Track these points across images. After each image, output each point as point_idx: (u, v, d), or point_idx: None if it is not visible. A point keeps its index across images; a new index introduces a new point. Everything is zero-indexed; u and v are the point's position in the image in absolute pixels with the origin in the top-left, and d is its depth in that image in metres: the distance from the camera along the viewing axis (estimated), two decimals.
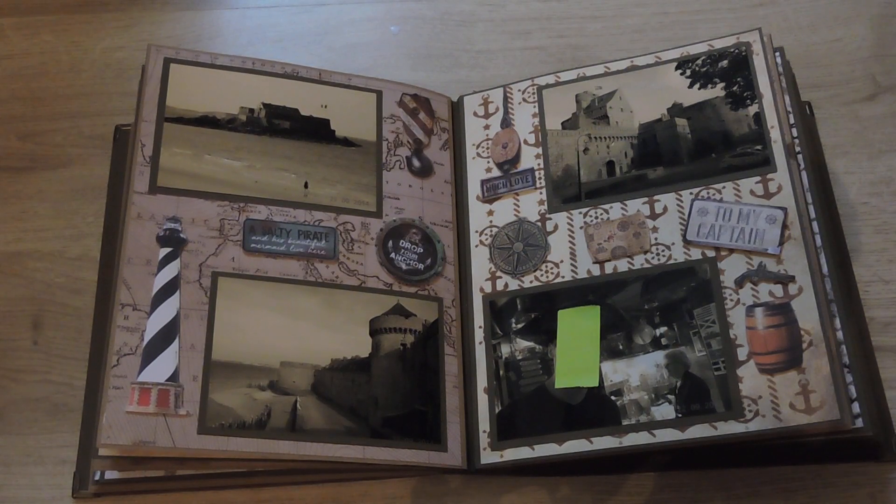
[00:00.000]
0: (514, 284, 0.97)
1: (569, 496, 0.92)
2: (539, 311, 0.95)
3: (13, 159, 1.11)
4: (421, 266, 0.98)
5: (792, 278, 0.88)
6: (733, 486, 0.91)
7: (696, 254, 0.93)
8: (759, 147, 0.95)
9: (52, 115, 1.13)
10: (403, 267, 0.98)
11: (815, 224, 0.92)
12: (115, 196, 1.03)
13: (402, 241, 0.99)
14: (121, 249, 0.92)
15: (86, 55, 1.17)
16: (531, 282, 0.97)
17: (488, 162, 1.04)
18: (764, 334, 0.88)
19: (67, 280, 1.03)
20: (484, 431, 0.92)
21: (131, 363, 0.87)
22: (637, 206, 0.97)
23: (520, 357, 0.94)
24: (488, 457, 0.91)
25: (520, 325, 0.95)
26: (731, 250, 0.92)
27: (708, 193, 0.95)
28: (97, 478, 0.91)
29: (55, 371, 0.99)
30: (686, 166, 0.97)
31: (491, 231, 1.00)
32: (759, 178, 0.93)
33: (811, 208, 0.93)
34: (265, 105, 1.01)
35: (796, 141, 0.96)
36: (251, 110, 1.01)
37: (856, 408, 0.84)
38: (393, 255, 0.98)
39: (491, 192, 1.02)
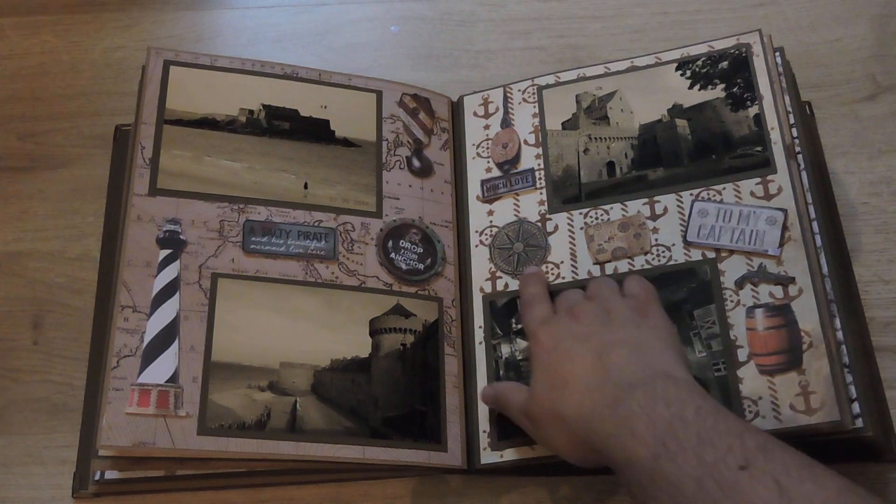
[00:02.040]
0: (514, 284, 0.97)
1: (569, 496, 0.92)
2: None
3: (13, 159, 1.11)
4: (421, 266, 0.98)
5: (792, 280, 0.88)
6: None
7: (696, 255, 0.93)
8: (759, 148, 0.95)
9: (52, 115, 1.13)
10: (403, 267, 0.98)
11: (815, 224, 0.92)
12: (115, 196, 1.03)
13: (402, 241, 0.99)
14: (120, 251, 0.92)
15: (86, 55, 1.17)
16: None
17: (488, 162, 1.04)
18: (764, 335, 0.88)
19: (67, 280, 1.03)
20: (484, 431, 0.92)
21: (131, 365, 0.87)
22: (637, 206, 0.96)
23: (520, 357, 0.94)
24: (488, 457, 0.91)
25: (520, 326, 0.95)
26: (732, 251, 0.91)
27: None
28: (97, 478, 0.90)
29: (55, 371, 0.99)
30: (686, 167, 0.97)
31: (491, 231, 1.00)
32: (759, 180, 0.93)
33: (811, 209, 0.93)
34: (265, 106, 1.01)
35: (796, 141, 0.96)
36: (251, 112, 1.01)
37: (856, 408, 0.84)
38: (393, 255, 0.98)
39: (491, 193, 1.02)
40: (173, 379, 0.88)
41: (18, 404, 0.98)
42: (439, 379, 0.94)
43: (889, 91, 1.09)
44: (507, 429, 0.91)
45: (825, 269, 0.90)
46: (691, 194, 0.95)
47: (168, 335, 0.89)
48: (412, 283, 0.97)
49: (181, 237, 0.93)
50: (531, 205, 1.00)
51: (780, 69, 0.99)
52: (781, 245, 0.90)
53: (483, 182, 1.03)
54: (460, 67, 1.16)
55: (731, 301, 0.90)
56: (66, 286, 1.03)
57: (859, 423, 0.84)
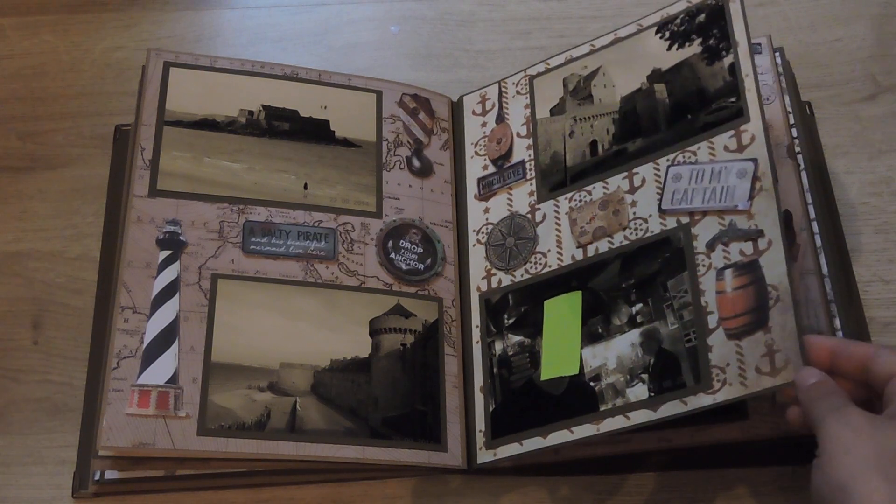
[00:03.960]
0: (506, 280, 0.97)
1: (569, 496, 0.92)
2: (528, 304, 0.95)
3: (13, 159, 1.11)
4: (421, 266, 0.98)
5: (761, 233, 0.84)
6: (733, 486, 0.91)
7: (671, 223, 0.90)
8: (733, 99, 0.91)
9: (52, 115, 1.13)
10: (403, 267, 0.98)
11: (814, 224, 0.92)
12: (115, 196, 1.03)
13: (401, 241, 0.99)
14: (121, 253, 0.92)
15: (86, 55, 1.17)
16: (522, 275, 0.96)
17: (485, 159, 1.03)
18: (732, 297, 0.84)
19: (67, 280, 1.03)
20: (480, 431, 0.92)
21: (131, 366, 0.87)
22: (617, 182, 0.94)
23: (511, 353, 0.93)
24: (483, 456, 0.91)
25: (511, 321, 0.95)
26: (705, 213, 0.88)
27: (684, 157, 0.91)
28: (97, 478, 0.91)
29: (55, 371, 0.99)
30: (663, 133, 0.94)
31: (486, 229, 1.00)
32: (732, 132, 0.89)
33: (811, 209, 0.93)
34: (265, 107, 1.01)
35: (796, 141, 0.96)
36: (251, 112, 1.01)
37: None
38: (393, 255, 0.98)
39: (486, 189, 1.02)
40: (173, 380, 0.88)
41: (18, 404, 0.98)
42: (439, 379, 0.94)
43: (889, 91, 1.09)
44: (499, 427, 0.91)
45: (825, 270, 0.90)
46: (668, 160, 0.92)
47: (168, 336, 0.89)
48: (412, 283, 0.97)
49: (181, 238, 0.93)
50: (522, 197, 0.99)
51: (780, 69, 0.99)
52: (752, 197, 0.86)
53: (479, 180, 1.03)
54: (460, 67, 1.16)
55: (703, 266, 0.86)
56: (66, 286, 1.03)
57: None
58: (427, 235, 1.00)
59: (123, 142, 1.06)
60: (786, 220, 0.92)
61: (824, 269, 0.90)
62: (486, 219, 1.01)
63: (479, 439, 0.92)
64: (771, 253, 0.83)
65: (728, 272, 0.85)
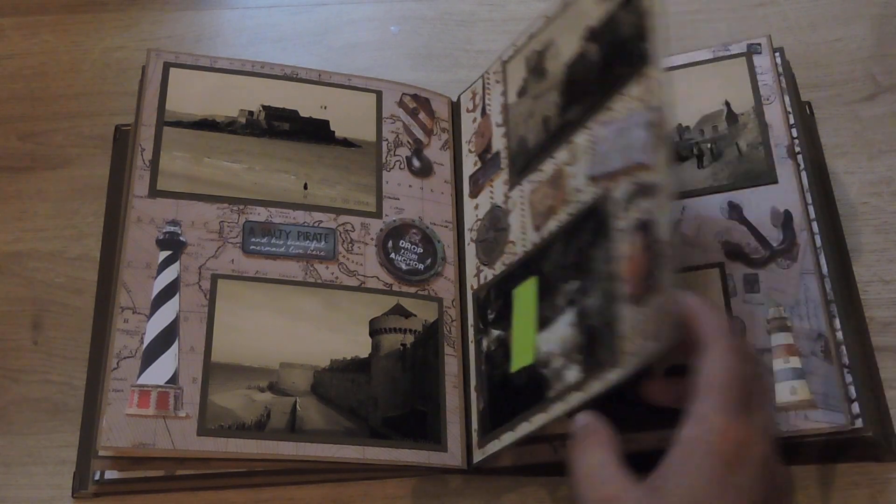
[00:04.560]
0: (490, 275, 0.96)
1: (569, 496, 0.92)
2: (503, 297, 0.93)
3: (13, 159, 1.11)
4: (421, 266, 0.98)
5: (656, 187, 0.76)
6: None
7: (599, 190, 0.83)
8: (643, 45, 0.81)
9: (52, 115, 1.13)
10: (403, 267, 0.98)
11: (815, 224, 0.92)
12: (115, 196, 1.03)
13: (401, 241, 0.99)
14: (121, 253, 0.92)
15: (86, 55, 1.17)
16: (500, 268, 0.95)
17: (475, 156, 1.03)
18: (634, 260, 0.77)
19: (67, 280, 1.03)
20: (475, 430, 0.92)
21: (131, 366, 0.87)
22: (563, 156, 0.90)
23: (492, 348, 0.93)
24: (477, 455, 0.91)
25: (492, 316, 0.94)
26: (621, 173, 0.81)
27: (608, 117, 0.84)
28: (97, 478, 0.90)
29: (55, 371, 0.99)
30: (593, 95, 0.87)
31: (476, 225, 0.99)
32: (640, 80, 0.80)
33: (811, 208, 0.93)
34: (265, 107, 1.01)
35: (796, 141, 0.96)
36: (251, 113, 1.01)
37: (856, 408, 0.84)
38: (393, 255, 0.98)
39: (474, 186, 1.01)
40: (173, 380, 0.88)
41: (18, 404, 0.98)
42: (439, 379, 0.94)
43: (889, 91, 1.09)
44: (485, 425, 0.91)
45: (825, 270, 0.90)
46: (598, 123, 0.85)
47: (168, 336, 0.89)
48: (412, 283, 0.97)
49: (181, 238, 0.93)
50: (499, 187, 0.98)
51: (780, 69, 0.99)
52: (654, 150, 0.77)
53: (469, 177, 1.02)
54: (460, 67, 1.16)
55: (619, 230, 0.79)
56: (66, 286, 1.03)
57: (859, 423, 0.84)
58: (427, 235, 1.00)
59: (123, 142, 1.06)
60: (786, 220, 0.93)
61: (824, 269, 0.90)
62: (477, 216, 1.00)
63: (475, 439, 0.92)
64: (664, 208, 0.75)
65: (632, 233, 0.78)
